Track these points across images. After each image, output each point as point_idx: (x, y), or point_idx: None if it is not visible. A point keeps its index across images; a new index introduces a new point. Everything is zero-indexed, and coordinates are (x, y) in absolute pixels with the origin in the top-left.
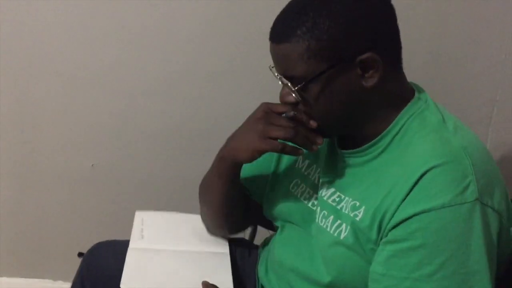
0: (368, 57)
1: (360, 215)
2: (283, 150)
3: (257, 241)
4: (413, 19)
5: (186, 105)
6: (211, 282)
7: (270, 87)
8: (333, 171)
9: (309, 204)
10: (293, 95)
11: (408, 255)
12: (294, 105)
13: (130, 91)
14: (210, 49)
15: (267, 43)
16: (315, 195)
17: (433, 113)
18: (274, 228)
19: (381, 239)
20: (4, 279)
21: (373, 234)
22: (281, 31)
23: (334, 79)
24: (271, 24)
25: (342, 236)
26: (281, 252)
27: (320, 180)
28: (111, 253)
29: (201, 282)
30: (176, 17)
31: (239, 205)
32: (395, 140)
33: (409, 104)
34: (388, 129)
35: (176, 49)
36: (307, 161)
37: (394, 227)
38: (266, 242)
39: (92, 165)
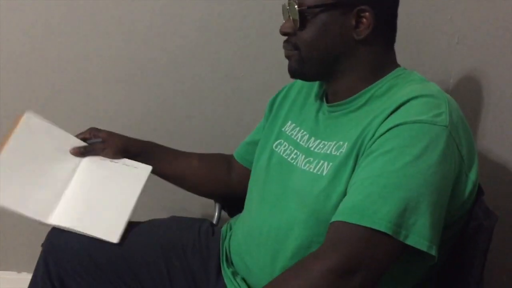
0: (364, 10)
1: (343, 150)
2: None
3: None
4: None
5: (173, 105)
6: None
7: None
8: (319, 125)
9: (289, 159)
10: (292, 22)
11: (376, 159)
12: (289, 35)
13: (119, 90)
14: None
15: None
16: (295, 151)
17: (416, 74)
18: (235, 213)
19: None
20: None
21: (350, 161)
22: None
23: (332, 17)
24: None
25: (324, 172)
26: (256, 220)
27: (307, 135)
28: None
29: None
30: (172, 18)
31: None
32: (378, 93)
33: (396, 69)
34: (372, 85)
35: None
36: (293, 125)
37: (372, 144)
38: (229, 223)
39: None
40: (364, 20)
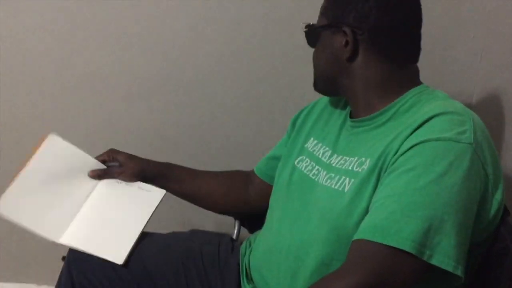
0: (345, 32)
1: (366, 167)
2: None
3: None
4: None
5: (170, 108)
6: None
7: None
8: (341, 141)
9: (310, 175)
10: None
11: (399, 177)
12: None
13: (115, 94)
14: (200, 51)
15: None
16: (317, 167)
17: (439, 91)
18: (255, 229)
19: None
20: None
21: (373, 178)
22: None
23: (327, 37)
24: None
25: (346, 189)
26: (275, 238)
27: (329, 152)
28: None
29: None
30: (168, 18)
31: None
32: (402, 110)
33: (419, 86)
34: (395, 101)
35: (162, 52)
36: (315, 141)
37: (395, 161)
38: (249, 240)
39: None
40: (348, 40)
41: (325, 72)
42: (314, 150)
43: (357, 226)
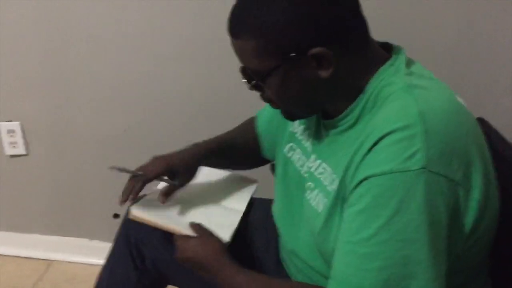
0: (318, 52)
1: (335, 188)
2: None
3: None
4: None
5: (221, 67)
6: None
7: None
8: (320, 141)
9: (302, 172)
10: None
11: (352, 219)
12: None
13: (163, 55)
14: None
15: None
16: (306, 163)
17: (400, 78)
18: None
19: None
20: (42, 237)
21: (338, 206)
22: (233, 27)
23: (289, 73)
24: None
25: (320, 209)
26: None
27: (311, 147)
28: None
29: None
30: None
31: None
32: (366, 109)
33: (378, 71)
34: (357, 100)
35: (204, 13)
36: (302, 126)
37: (350, 194)
38: None
39: (124, 130)
40: (323, 58)
41: (302, 101)
42: (303, 139)
43: (334, 250)
